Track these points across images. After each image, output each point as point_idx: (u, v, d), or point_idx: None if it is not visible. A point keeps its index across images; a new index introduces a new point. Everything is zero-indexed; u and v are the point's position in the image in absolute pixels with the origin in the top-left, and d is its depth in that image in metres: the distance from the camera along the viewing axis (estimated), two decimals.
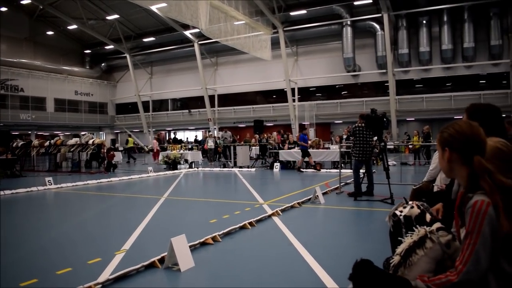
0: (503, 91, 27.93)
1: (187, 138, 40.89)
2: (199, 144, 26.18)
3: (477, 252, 1.62)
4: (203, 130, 37.22)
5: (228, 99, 39.34)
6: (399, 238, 2.02)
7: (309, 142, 17.05)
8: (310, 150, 16.35)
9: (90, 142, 17.83)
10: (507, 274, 1.66)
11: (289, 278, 3.83)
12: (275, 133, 21.56)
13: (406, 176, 13.40)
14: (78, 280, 3.60)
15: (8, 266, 4.29)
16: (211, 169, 18.37)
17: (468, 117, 2.85)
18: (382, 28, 29.40)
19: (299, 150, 17.10)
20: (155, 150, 24.72)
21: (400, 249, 1.90)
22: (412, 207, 2.29)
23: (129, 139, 25.88)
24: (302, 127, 19.38)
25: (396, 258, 1.89)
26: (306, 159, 16.13)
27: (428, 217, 2.20)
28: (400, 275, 1.85)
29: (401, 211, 2.31)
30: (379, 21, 29.67)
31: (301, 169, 15.76)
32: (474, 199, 1.68)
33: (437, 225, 1.91)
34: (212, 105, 37.84)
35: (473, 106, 2.98)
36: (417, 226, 1.94)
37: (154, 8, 26.17)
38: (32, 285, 3.70)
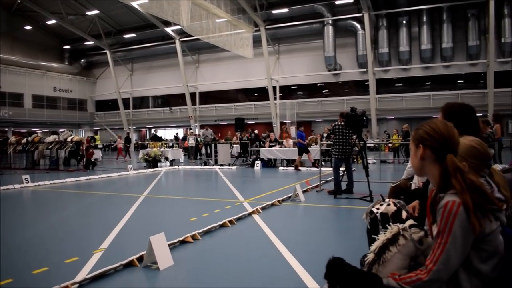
0: (480, 91, 28.52)
1: (152, 134, 39.21)
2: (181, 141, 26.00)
3: (448, 251, 1.65)
4: (184, 128, 37.05)
5: (209, 97, 39.23)
6: (373, 236, 2.05)
7: (306, 140, 16.96)
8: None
9: (69, 139, 17.58)
10: (478, 272, 1.70)
11: (268, 276, 3.85)
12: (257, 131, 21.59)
13: (386, 174, 13.57)
14: (55, 280, 3.56)
15: None
16: (192, 167, 18.30)
17: (444, 116, 2.90)
18: (363, 28, 29.69)
19: (281, 148, 17.17)
20: (118, 148, 24.67)
21: (374, 246, 1.93)
22: (389, 204, 2.33)
23: (96, 136, 25.58)
24: (299, 125, 19.38)
25: (370, 256, 1.92)
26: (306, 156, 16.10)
27: (404, 214, 2.24)
28: (372, 272, 1.88)
29: (377, 209, 2.35)
30: (360, 20, 29.96)
31: (299, 168, 15.66)
32: (445, 199, 1.71)
33: (410, 222, 1.95)
34: (193, 103, 37.63)
35: (448, 106, 3.03)
36: (392, 223, 1.97)
37: (135, 4, 25.85)
38: (7, 285, 3.64)
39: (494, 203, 1.70)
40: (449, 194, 1.72)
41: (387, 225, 1.97)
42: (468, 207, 1.63)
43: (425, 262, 1.74)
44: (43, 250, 4.85)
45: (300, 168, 15.60)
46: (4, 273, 3.91)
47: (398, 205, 2.32)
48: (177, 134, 38.93)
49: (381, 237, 1.92)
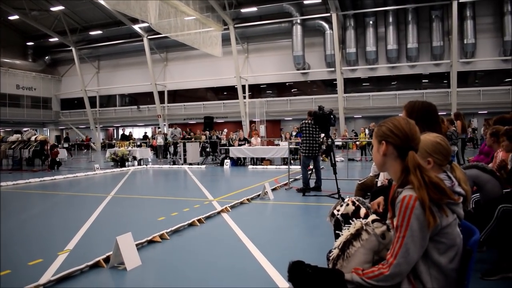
0: (444, 90, 29.41)
1: (129, 132, 37.93)
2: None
3: (406, 244, 1.70)
4: (152, 127, 36.63)
5: (178, 95, 38.89)
6: (337, 232, 2.09)
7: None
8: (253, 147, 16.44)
9: (33, 138, 17.09)
10: (437, 263, 1.77)
11: (237, 274, 3.87)
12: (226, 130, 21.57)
13: (353, 171, 13.78)
14: (18, 282, 3.49)
15: None
16: (160, 166, 18.11)
17: (406, 114, 2.99)
18: (331, 27, 30.09)
19: (250, 147, 17.20)
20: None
21: (338, 242, 1.97)
22: (348, 204, 2.39)
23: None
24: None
25: (335, 251, 1.96)
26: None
27: (363, 211, 2.31)
28: (334, 269, 1.92)
29: (338, 210, 2.41)
30: (328, 20, 30.36)
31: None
32: (403, 193, 1.76)
33: (373, 217, 2.00)
34: (162, 101, 37.24)
35: (411, 104, 3.12)
36: (354, 220, 2.02)
37: (101, 0, 25.43)
38: None
39: (450, 197, 1.77)
40: (407, 189, 1.77)
41: (350, 222, 2.02)
42: (424, 203, 1.69)
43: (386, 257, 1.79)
44: (6, 252, 4.70)
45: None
46: None
47: (356, 203, 2.39)
48: (145, 133, 38.40)
49: (345, 233, 1.97)
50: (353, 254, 1.89)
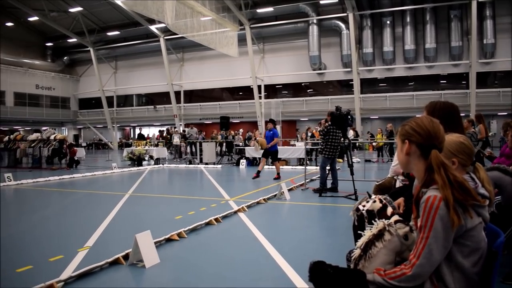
0: (462, 91, 28.99)
1: (147, 135, 38.36)
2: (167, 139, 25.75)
3: (430, 245, 1.69)
4: (168, 127, 36.80)
5: (194, 95, 39.10)
6: (359, 232, 2.08)
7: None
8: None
9: (52, 137, 17.37)
10: (460, 266, 1.75)
11: (254, 273, 3.87)
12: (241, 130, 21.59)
13: (370, 173, 13.70)
14: (40, 278, 3.53)
15: None
16: (177, 165, 18.23)
17: (427, 114, 2.95)
18: (347, 27, 29.92)
19: None
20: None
21: (360, 242, 1.96)
22: (375, 201, 2.36)
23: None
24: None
25: (357, 252, 1.95)
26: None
27: (389, 210, 2.27)
28: (355, 269, 1.91)
29: (364, 206, 2.37)
30: (345, 20, 30.21)
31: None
32: (427, 194, 1.75)
33: (395, 218, 1.98)
34: (178, 101, 37.49)
35: (432, 104, 3.08)
36: (379, 219, 2.00)
37: (119, 1, 25.71)
38: None
39: (476, 199, 1.75)
40: (431, 189, 1.76)
41: (373, 222, 2.01)
42: (449, 202, 1.67)
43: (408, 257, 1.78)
44: (27, 248, 4.79)
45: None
46: None
47: (384, 201, 2.35)
48: (161, 131, 38.55)
49: (367, 233, 1.95)
50: (375, 255, 1.88)
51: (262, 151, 12.31)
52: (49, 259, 4.25)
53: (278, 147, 12.61)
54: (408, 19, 29.57)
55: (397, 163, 5.16)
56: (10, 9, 35.79)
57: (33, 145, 17.60)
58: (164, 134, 26.79)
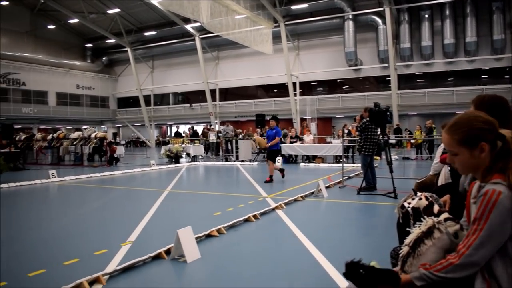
0: (505, 86, 27.84)
1: (183, 132, 38.56)
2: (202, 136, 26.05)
3: (482, 237, 1.65)
4: (204, 125, 37.21)
5: (229, 93, 39.32)
6: (407, 229, 2.05)
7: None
8: (312, 144, 16.32)
9: (93, 135, 17.90)
10: None
11: (293, 269, 3.87)
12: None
13: (409, 170, 13.43)
14: (86, 271, 3.65)
15: (15, 257, 4.34)
16: (213, 162, 18.41)
17: (475, 109, 2.84)
18: (384, 22, 29.34)
19: (302, 144, 17.12)
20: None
21: (408, 239, 1.93)
22: (420, 198, 2.31)
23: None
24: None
25: (405, 249, 1.92)
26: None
27: (436, 208, 2.22)
28: (390, 270, 1.88)
29: (409, 203, 2.33)
30: (381, 15, 29.63)
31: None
32: (486, 187, 1.71)
33: (445, 215, 1.94)
34: (214, 99, 37.81)
35: (480, 98, 2.95)
36: (425, 217, 1.97)
37: (155, 2, 26.17)
38: (40, 275, 3.75)
39: None
40: (491, 183, 1.72)
41: (421, 219, 1.97)
42: None
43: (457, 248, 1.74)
44: (73, 242, 4.97)
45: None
46: (36, 264, 4.03)
47: (430, 199, 2.30)
48: (195, 129, 38.96)
49: (416, 230, 1.92)
50: (423, 253, 1.84)
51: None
52: (94, 253, 4.39)
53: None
54: (447, 12, 28.66)
55: (438, 160, 5.03)
56: (51, 12, 37.13)
57: (75, 143, 18.18)
58: (204, 130, 27.15)
